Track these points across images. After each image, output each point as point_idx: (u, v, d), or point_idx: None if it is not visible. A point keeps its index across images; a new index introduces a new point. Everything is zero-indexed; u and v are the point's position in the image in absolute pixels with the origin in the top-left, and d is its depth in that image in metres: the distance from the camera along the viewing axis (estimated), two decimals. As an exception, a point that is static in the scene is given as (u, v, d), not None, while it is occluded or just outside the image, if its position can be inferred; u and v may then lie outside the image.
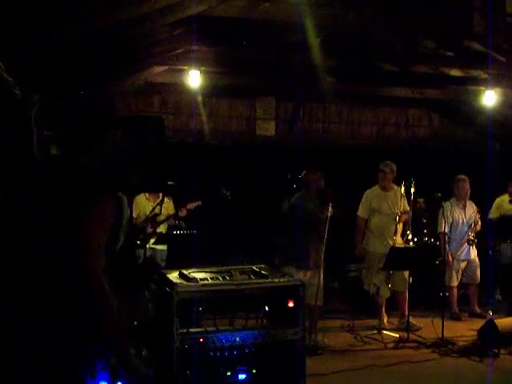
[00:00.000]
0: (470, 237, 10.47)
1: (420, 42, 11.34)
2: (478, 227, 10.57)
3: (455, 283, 10.54)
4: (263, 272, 5.41)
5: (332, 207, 8.78)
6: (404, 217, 9.87)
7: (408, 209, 9.95)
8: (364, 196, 10.15)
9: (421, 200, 11.73)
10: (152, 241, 9.93)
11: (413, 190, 9.83)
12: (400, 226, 9.89)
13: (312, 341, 8.58)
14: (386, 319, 9.95)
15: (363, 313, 10.36)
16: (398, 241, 9.79)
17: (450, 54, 11.45)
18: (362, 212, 10.11)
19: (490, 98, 11.66)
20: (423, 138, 14.66)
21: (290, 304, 5.18)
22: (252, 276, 5.39)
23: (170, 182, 9.78)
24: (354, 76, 11.74)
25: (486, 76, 11.61)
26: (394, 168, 10.03)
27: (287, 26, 9.37)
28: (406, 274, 9.85)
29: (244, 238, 11.20)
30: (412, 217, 10.00)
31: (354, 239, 10.23)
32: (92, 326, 3.96)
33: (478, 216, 10.55)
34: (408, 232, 9.90)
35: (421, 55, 11.52)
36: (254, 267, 5.59)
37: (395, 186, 10.04)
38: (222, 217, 11.34)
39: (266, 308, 5.16)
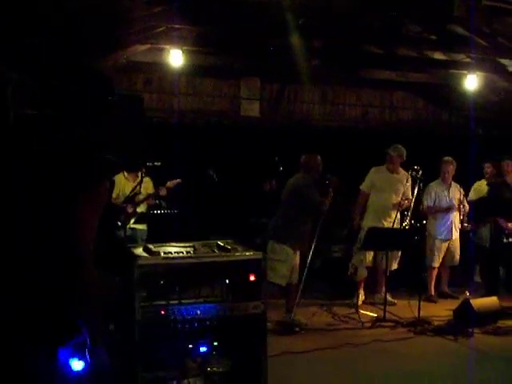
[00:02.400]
0: (465, 224, 10.63)
1: (404, 25, 11.37)
2: (467, 209, 10.67)
3: (436, 264, 10.63)
4: (227, 246, 5.45)
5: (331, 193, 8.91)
6: (406, 204, 9.96)
7: (409, 195, 10.02)
8: (370, 171, 10.23)
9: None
10: (132, 221, 9.94)
11: (419, 178, 9.86)
12: (396, 211, 9.98)
13: (289, 320, 8.67)
14: (361, 299, 10.05)
15: (343, 293, 10.44)
16: (392, 221, 9.87)
17: (433, 37, 11.48)
18: (364, 186, 10.21)
19: (472, 82, 11.71)
20: (407, 120, 14.71)
21: (252, 278, 5.21)
22: (215, 250, 5.43)
23: (156, 163, 9.89)
24: (338, 58, 11.75)
25: (468, 60, 11.65)
26: (403, 152, 10.09)
27: (271, 6, 9.37)
28: (397, 253, 10.01)
29: (227, 218, 11.24)
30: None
31: (352, 212, 10.33)
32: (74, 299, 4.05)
33: (464, 198, 10.66)
34: (407, 219, 9.95)
35: (405, 38, 11.53)
36: (219, 242, 5.63)
37: (402, 171, 10.10)
38: (206, 197, 11.39)
39: (227, 281, 5.20)
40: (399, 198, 9.96)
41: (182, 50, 10.23)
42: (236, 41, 10.92)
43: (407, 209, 9.99)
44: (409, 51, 12.10)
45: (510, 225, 10.44)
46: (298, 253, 8.98)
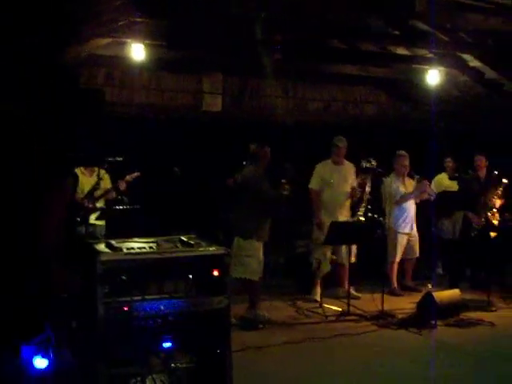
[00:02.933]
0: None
1: (367, 19, 11.39)
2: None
3: (398, 258, 10.71)
4: (190, 241, 5.43)
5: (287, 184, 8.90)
6: (356, 193, 9.98)
7: (355, 185, 10.07)
8: (316, 169, 10.25)
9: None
10: (93, 216, 9.85)
11: (373, 170, 9.94)
12: (348, 201, 10.01)
13: (253, 315, 8.67)
14: (319, 293, 10.03)
15: (307, 288, 10.45)
16: (348, 216, 9.91)
17: (396, 32, 11.51)
18: (313, 184, 10.20)
19: (433, 77, 11.78)
20: (370, 115, 14.76)
21: (215, 273, 5.19)
22: (178, 245, 5.40)
23: (118, 158, 9.82)
24: (301, 52, 11.75)
25: (430, 55, 11.70)
26: (346, 144, 10.14)
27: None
28: (354, 247, 10.02)
29: (190, 213, 11.20)
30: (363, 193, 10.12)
31: (314, 211, 10.26)
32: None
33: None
34: (362, 209, 10.01)
35: (367, 33, 11.56)
36: (182, 237, 5.60)
37: (347, 162, 10.15)
38: (169, 192, 11.34)
39: (191, 277, 5.16)
40: (349, 189, 10.00)
41: (143, 43, 10.14)
42: (198, 35, 10.86)
43: (359, 199, 10.03)
44: (372, 46, 12.13)
45: (476, 218, 10.57)
46: (262, 246, 8.97)
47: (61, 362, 5.71)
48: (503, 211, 10.72)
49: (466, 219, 10.83)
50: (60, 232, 6.34)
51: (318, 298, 9.88)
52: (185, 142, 11.87)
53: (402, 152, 10.78)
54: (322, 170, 10.17)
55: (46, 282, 6.29)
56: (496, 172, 10.65)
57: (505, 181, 10.56)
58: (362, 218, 9.94)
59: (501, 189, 10.53)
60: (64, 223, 6.61)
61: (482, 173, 10.92)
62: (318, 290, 10.03)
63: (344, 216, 9.91)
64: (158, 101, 12.96)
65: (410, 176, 10.70)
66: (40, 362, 5.63)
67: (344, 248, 9.90)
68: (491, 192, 10.56)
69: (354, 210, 10.11)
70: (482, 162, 10.94)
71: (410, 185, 10.73)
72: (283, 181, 8.95)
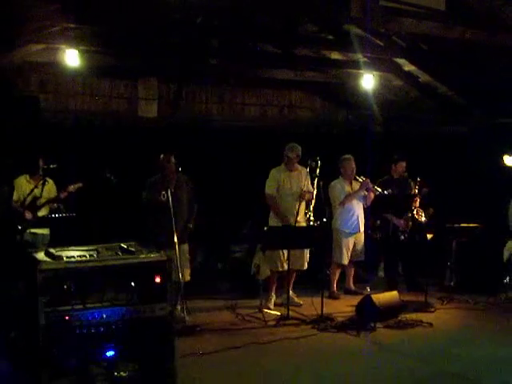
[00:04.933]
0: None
1: (301, 24, 11.45)
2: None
3: (345, 261, 10.79)
4: (131, 249, 5.40)
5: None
6: (307, 195, 9.99)
7: (311, 189, 10.08)
8: (270, 174, 10.15)
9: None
10: (32, 225, 9.72)
11: (318, 169, 9.98)
12: (302, 205, 10.00)
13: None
14: (273, 301, 10.04)
15: (246, 292, 10.45)
16: (300, 219, 9.90)
17: (330, 37, 11.59)
18: (269, 189, 10.09)
19: (368, 81, 11.91)
20: (305, 119, 14.83)
21: (157, 279, 5.18)
22: (119, 253, 5.36)
23: (52, 165, 9.70)
24: (236, 57, 11.76)
25: (365, 59, 11.81)
26: (299, 151, 10.08)
27: (169, 4, 9.28)
28: (305, 252, 10.03)
29: (126, 221, 11.09)
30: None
31: (275, 213, 10.11)
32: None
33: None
34: (310, 212, 10.03)
35: (302, 38, 11.61)
36: (122, 244, 5.56)
37: (300, 167, 10.14)
38: (105, 199, 11.20)
39: (133, 284, 5.12)
40: (301, 192, 10.01)
41: (78, 49, 10.03)
42: (133, 40, 10.79)
43: (309, 201, 10.07)
44: (306, 51, 12.19)
45: (401, 221, 10.71)
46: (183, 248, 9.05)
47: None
48: (425, 207, 10.92)
49: (386, 222, 10.94)
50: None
51: (271, 306, 9.89)
52: (120, 148, 11.76)
53: (348, 156, 10.87)
54: (275, 175, 10.12)
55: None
56: (418, 178, 10.81)
57: (418, 179, 10.76)
58: (312, 222, 9.96)
59: (417, 187, 10.73)
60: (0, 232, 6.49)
61: (397, 174, 11.09)
62: (272, 296, 10.04)
63: (299, 220, 9.88)
64: (92, 107, 12.84)
65: (355, 179, 10.78)
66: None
67: (281, 253, 9.83)
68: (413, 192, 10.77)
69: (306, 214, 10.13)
70: (402, 167, 11.11)
71: (356, 187, 10.81)
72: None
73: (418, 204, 10.87)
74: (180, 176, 9.39)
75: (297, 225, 9.74)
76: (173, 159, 9.35)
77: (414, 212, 10.80)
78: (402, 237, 10.71)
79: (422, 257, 10.78)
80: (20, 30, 9.25)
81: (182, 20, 9.88)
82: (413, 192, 10.81)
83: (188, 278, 9.14)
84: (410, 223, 10.77)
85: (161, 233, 8.80)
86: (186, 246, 9.25)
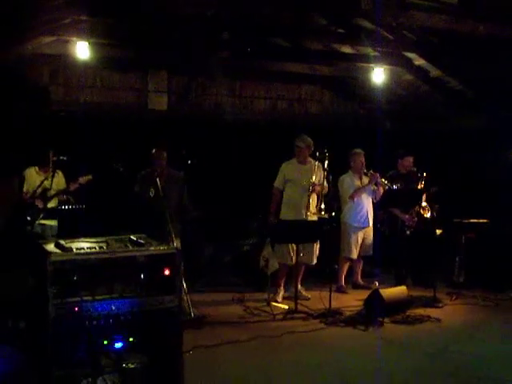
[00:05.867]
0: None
1: (312, 18, 11.43)
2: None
3: (354, 255, 10.81)
4: (140, 241, 5.40)
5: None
6: (317, 188, 9.96)
7: (322, 181, 10.05)
8: (281, 167, 10.19)
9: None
10: (41, 216, 9.76)
11: (326, 161, 9.94)
12: (313, 198, 9.99)
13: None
14: (282, 295, 10.07)
15: (254, 286, 10.46)
16: (311, 212, 9.89)
17: (340, 30, 11.56)
18: (277, 183, 10.15)
19: (378, 76, 11.85)
20: (315, 113, 14.80)
21: (166, 272, 5.18)
22: (128, 245, 5.37)
23: (62, 157, 9.73)
24: (246, 50, 11.73)
25: (375, 53, 11.79)
26: (311, 142, 10.10)
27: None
28: (315, 247, 10.02)
29: (135, 213, 11.09)
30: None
31: (269, 208, 10.18)
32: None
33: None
34: (321, 205, 10.01)
35: (312, 31, 11.59)
36: (132, 236, 5.57)
37: (312, 160, 10.12)
38: (114, 191, 11.21)
39: (142, 276, 5.13)
40: (311, 185, 10.00)
41: (88, 42, 10.03)
42: (143, 33, 10.79)
43: (320, 194, 10.05)
44: (316, 44, 12.16)
45: (407, 216, 10.67)
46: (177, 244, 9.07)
47: (5, 363, 5.63)
48: (432, 202, 10.91)
49: (392, 217, 10.90)
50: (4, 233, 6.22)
51: (280, 299, 9.92)
52: (130, 141, 11.76)
53: (358, 150, 10.87)
54: (287, 170, 10.13)
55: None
56: (425, 174, 10.76)
57: (424, 174, 10.72)
58: (324, 215, 9.93)
59: (423, 182, 10.70)
60: (11, 223, 6.51)
61: (404, 169, 11.06)
62: (280, 290, 10.08)
63: (310, 214, 9.87)
64: (102, 99, 12.83)
65: (365, 174, 10.77)
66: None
67: (290, 247, 9.83)
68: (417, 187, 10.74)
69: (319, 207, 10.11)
70: (409, 161, 11.07)
71: (366, 181, 10.80)
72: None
73: (424, 199, 10.83)
74: (171, 172, 9.41)
75: (307, 218, 9.74)
76: (164, 155, 9.39)
77: (420, 207, 10.75)
78: (408, 232, 10.68)
79: (429, 252, 10.74)
80: (31, 22, 9.26)
81: (193, 13, 9.86)
82: (419, 187, 10.75)
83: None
84: (416, 218, 10.73)
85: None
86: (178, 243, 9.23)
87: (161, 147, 9.48)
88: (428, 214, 10.81)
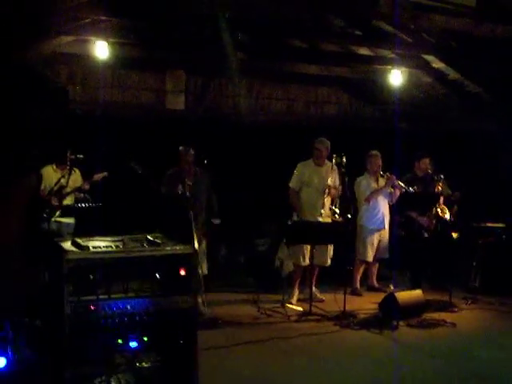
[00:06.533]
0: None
1: (329, 19, 11.40)
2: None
3: (370, 258, 10.79)
4: (157, 240, 5.41)
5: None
6: (333, 191, 9.94)
7: (338, 183, 10.03)
8: (297, 168, 10.17)
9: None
10: (57, 214, 9.81)
11: (343, 166, 9.89)
12: (328, 200, 9.97)
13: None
14: (296, 297, 10.05)
15: (268, 287, 10.44)
16: (325, 215, 9.87)
17: (358, 32, 11.54)
18: (293, 183, 10.12)
19: (396, 78, 11.82)
20: (331, 115, 14.77)
21: (182, 272, 5.20)
22: (144, 244, 5.39)
23: (79, 156, 9.78)
24: (263, 52, 11.73)
25: (393, 56, 11.75)
26: (329, 145, 10.10)
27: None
28: (329, 248, 10.01)
29: (151, 212, 11.11)
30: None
31: (294, 208, 10.15)
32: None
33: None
34: (335, 208, 9.97)
35: (330, 33, 11.57)
36: (148, 236, 5.58)
37: (328, 162, 10.10)
38: (131, 190, 11.23)
39: (158, 276, 5.15)
40: (327, 187, 9.98)
41: (107, 41, 10.05)
42: (161, 33, 10.81)
43: (335, 197, 10.02)
44: (334, 46, 12.14)
45: (424, 219, 10.63)
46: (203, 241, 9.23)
47: (21, 360, 5.64)
48: (450, 204, 10.86)
49: (410, 220, 10.86)
50: (21, 230, 6.24)
51: (294, 301, 9.92)
52: (147, 140, 11.77)
53: (375, 151, 10.85)
54: (303, 170, 10.11)
55: (6, 282, 6.20)
56: (442, 176, 10.71)
57: (441, 176, 10.66)
58: (338, 218, 9.90)
59: (440, 184, 10.64)
60: (27, 220, 6.53)
61: (421, 171, 11.01)
62: (295, 292, 10.06)
63: (324, 215, 9.86)
64: (120, 99, 12.85)
65: (381, 176, 10.73)
66: (-3, 361, 5.57)
67: (305, 248, 9.82)
68: (435, 190, 10.67)
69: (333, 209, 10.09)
70: (426, 164, 11.02)
71: (382, 184, 10.76)
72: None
73: (442, 202, 10.78)
74: (197, 170, 9.42)
75: (321, 220, 9.72)
76: (191, 152, 9.39)
77: (438, 210, 10.69)
78: (426, 234, 10.64)
79: (446, 256, 10.68)
80: (50, 21, 9.29)
81: (210, 14, 9.86)
82: (436, 190, 10.69)
83: (206, 271, 9.18)
84: (434, 221, 10.68)
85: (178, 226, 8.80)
86: (203, 240, 9.28)
87: (188, 145, 9.46)
88: (446, 216, 10.74)
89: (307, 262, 9.72)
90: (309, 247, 9.63)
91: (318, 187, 9.95)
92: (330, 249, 10.05)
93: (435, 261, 10.91)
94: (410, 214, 10.80)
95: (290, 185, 10.13)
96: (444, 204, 10.80)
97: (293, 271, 10.07)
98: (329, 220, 9.91)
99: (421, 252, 10.76)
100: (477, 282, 10.82)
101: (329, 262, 10.08)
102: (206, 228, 9.50)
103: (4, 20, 8.01)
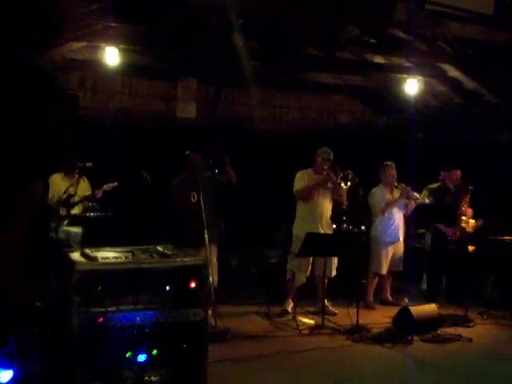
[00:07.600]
0: None
1: (343, 28, 11.28)
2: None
3: (384, 271, 10.61)
4: (167, 252, 5.33)
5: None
6: (341, 199, 9.83)
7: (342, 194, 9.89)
8: (299, 174, 9.98)
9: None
10: (65, 223, 9.72)
11: (350, 176, 9.74)
12: (328, 210, 9.87)
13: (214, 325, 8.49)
14: (290, 306, 9.90)
15: (280, 299, 10.28)
16: (325, 224, 9.75)
17: (373, 41, 11.42)
18: (298, 186, 9.92)
19: (412, 86, 11.70)
20: (345, 124, 14.68)
21: (192, 284, 5.14)
22: (154, 255, 5.31)
23: (88, 164, 9.67)
24: (277, 60, 11.63)
25: (408, 64, 11.63)
26: (331, 155, 9.95)
27: (209, 6, 9.18)
28: (333, 259, 9.85)
29: (161, 221, 11.01)
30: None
31: (306, 190, 9.88)
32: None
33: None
34: (345, 218, 9.85)
35: (344, 41, 11.45)
36: (158, 247, 5.50)
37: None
38: (140, 199, 11.14)
39: (167, 288, 5.06)
40: (329, 200, 9.86)
41: (118, 48, 9.99)
42: (173, 41, 10.72)
43: (341, 208, 9.88)
44: (348, 54, 12.03)
45: (450, 230, 10.44)
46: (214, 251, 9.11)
47: (27, 374, 5.54)
48: (477, 218, 10.65)
49: (438, 232, 10.67)
50: (27, 240, 6.14)
51: (290, 310, 9.78)
52: (158, 149, 11.68)
53: (389, 162, 10.69)
54: (304, 176, 9.94)
55: (10, 293, 6.10)
56: (471, 187, 10.52)
57: (470, 187, 10.47)
58: (346, 226, 9.78)
59: (469, 196, 10.45)
60: (34, 229, 6.43)
61: (450, 182, 10.82)
62: (290, 301, 9.89)
63: (326, 227, 9.73)
64: (131, 106, 12.83)
65: (396, 187, 10.57)
66: (4, 375, 5.46)
67: (330, 260, 9.68)
68: (462, 202, 10.46)
69: (338, 220, 9.96)
70: (457, 175, 10.82)
71: (397, 195, 10.60)
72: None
73: (469, 214, 10.57)
74: (206, 176, 9.28)
75: (321, 231, 9.60)
76: (200, 157, 9.27)
77: (463, 223, 10.49)
78: (451, 246, 10.45)
79: (463, 269, 10.50)
80: (61, 27, 9.23)
81: (223, 22, 9.76)
82: (464, 202, 10.48)
83: (216, 283, 9.03)
84: (459, 233, 10.48)
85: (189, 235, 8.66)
86: (214, 250, 9.13)
87: (194, 149, 9.32)
88: (470, 230, 10.55)
89: (308, 273, 9.69)
90: (311, 258, 9.59)
91: (319, 198, 9.79)
92: (335, 259, 9.88)
93: (452, 274, 10.73)
94: (438, 226, 10.61)
95: (295, 189, 9.91)
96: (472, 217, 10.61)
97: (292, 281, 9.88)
98: (329, 231, 9.83)
99: (442, 265, 10.60)
100: (493, 297, 10.64)
101: (334, 272, 9.91)
102: (218, 239, 9.34)
103: (17, 26, 7.97)
